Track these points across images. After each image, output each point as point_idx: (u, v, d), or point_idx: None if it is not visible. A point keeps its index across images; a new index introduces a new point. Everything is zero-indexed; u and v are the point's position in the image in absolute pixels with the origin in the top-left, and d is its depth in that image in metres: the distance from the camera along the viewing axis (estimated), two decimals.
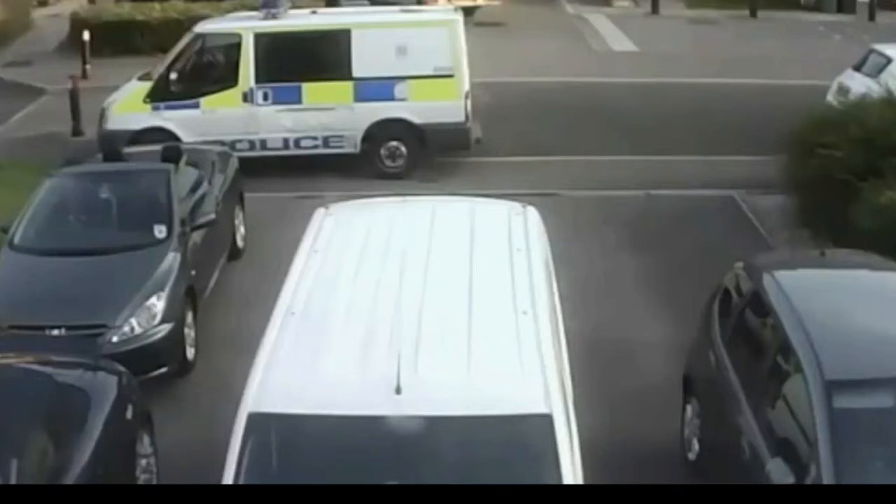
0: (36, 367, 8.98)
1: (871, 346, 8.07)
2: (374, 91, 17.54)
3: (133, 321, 11.09)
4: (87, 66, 24.31)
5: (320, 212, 9.55)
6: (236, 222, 14.67)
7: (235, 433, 6.83)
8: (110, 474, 8.37)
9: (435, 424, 6.73)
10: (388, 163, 17.85)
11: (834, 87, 19.88)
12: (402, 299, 7.76)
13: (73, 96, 20.16)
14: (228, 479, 6.68)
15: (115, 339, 10.94)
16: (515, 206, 9.75)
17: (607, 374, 11.04)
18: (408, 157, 17.84)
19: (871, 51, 20.13)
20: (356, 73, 17.53)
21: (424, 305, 7.68)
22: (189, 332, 11.77)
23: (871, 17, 31.51)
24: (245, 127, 17.55)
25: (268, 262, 12.41)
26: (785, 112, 17.39)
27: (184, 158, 13.61)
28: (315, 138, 17.70)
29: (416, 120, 17.67)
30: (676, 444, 10.01)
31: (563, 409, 6.97)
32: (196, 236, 12.55)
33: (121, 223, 12.53)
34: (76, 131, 20.10)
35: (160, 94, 17.71)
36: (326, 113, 17.57)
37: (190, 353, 11.75)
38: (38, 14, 32.14)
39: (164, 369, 11.16)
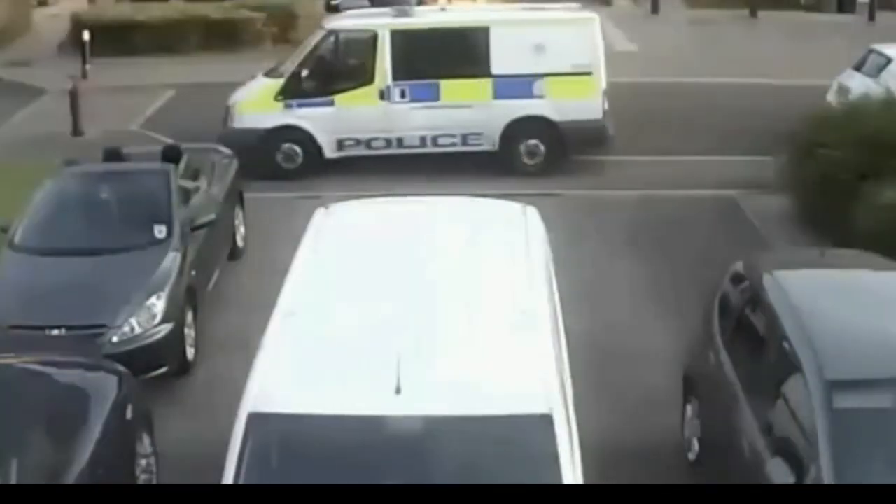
0: (36, 367, 8.97)
1: (871, 346, 8.07)
2: (512, 88, 17.51)
3: (133, 321, 11.08)
4: (87, 66, 24.33)
5: (320, 212, 9.55)
6: (236, 222, 14.67)
7: (235, 433, 6.82)
8: (110, 474, 8.36)
9: (435, 424, 6.73)
10: (527, 160, 17.85)
11: (834, 87, 19.92)
12: (401, 299, 7.76)
13: (73, 96, 20.18)
14: (228, 479, 6.68)
15: (115, 339, 10.92)
16: (515, 206, 9.75)
17: (607, 373, 11.03)
18: (546, 154, 17.82)
19: (871, 51, 20.15)
20: (495, 70, 17.50)
21: (424, 305, 7.68)
22: (189, 332, 11.77)
23: (871, 17, 31.56)
24: (381, 125, 17.55)
25: (268, 262, 12.41)
26: (785, 112, 17.42)
27: (184, 158, 13.61)
28: (453, 136, 17.68)
29: (555, 117, 17.66)
30: (676, 444, 10.02)
31: (563, 409, 6.97)
32: (196, 236, 12.53)
33: (121, 223, 12.50)
34: (76, 131, 20.11)
35: (292, 92, 17.69)
36: (464, 110, 17.51)
37: (190, 353, 11.74)
38: (38, 14, 32.19)
39: (164, 369, 11.15)
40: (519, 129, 17.70)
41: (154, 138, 19.25)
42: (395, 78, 17.51)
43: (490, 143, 17.78)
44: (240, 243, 14.72)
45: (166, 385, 11.12)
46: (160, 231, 12.13)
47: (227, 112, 17.99)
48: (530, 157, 17.85)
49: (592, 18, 17.98)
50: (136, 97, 22.90)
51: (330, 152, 17.81)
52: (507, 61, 17.42)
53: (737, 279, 9.72)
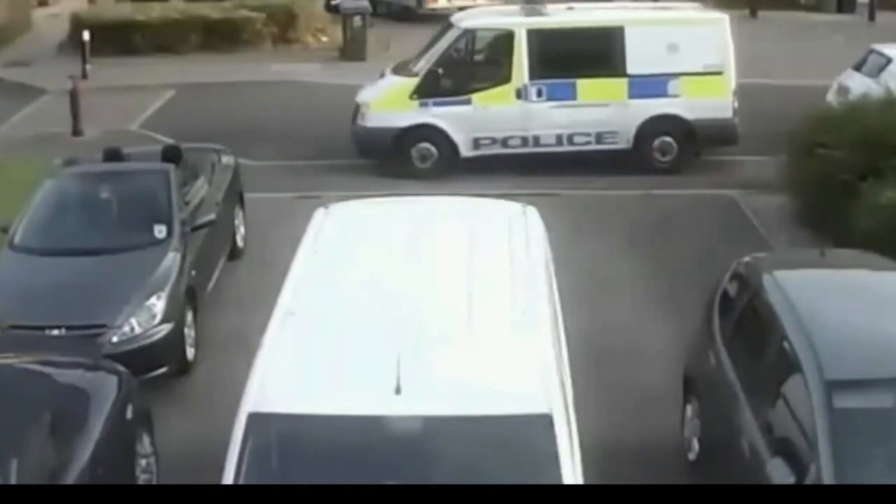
0: (36, 367, 8.98)
1: (871, 346, 8.07)
2: (647, 87, 17.65)
3: (133, 321, 11.08)
4: (87, 66, 24.32)
5: (320, 212, 9.55)
6: (236, 222, 14.67)
7: (235, 433, 6.83)
8: (110, 474, 8.37)
9: (435, 424, 6.73)
10: (660, 158, 17.94)
11: (834, 87, 19.91)
12: (401, 299, 7.76)
13: (73, 96, 20.18)
14: (228, 479, 6.69)
15: (115, 339, 10.92)
16: (515, 206, 9.75)
17: (607, 373, 11.03)
18: (678, 152, 17.91)
19: (871, 51, 20.14)
20: (630, 69, 17.61)
21: (424, 305, 7.68)
22: (189, 332, 11.77)
23: (871, 17, 31.53)
24: (518, 123, 17.63)
25: (268, 262, 12.41)
26: (785, 112, 17.41)
27: (184, 158, 13.61)
28: (588, 134, 17.76)
29: (688, 116, 17.78)
30: (676, 444, 10.01)
31: (563, 409, 6.97)
32: (196, 236, 12.53)
33: (121, 223, 12.51)
34: (76, 131, 20.11)
35: (428, 91, 17.70)
36: (601, 109, 17.62)
37: (190, 353, 11.74)
38: (38, 14, 32.17)
39: (164, 369, 11.15)
40: (653, 127, 17.81)
41: (154, 138, 19.24)
42: (531, 77, 17.59)
43: (625, 141, 17.88)
44: (240, 243, 14.72)
45: (166, 385, 11.11)
46: (160, 231, 12.13)
47: (356, 111, 18.02)
48: (663, 154, 17.94)
49: (723, 18, 18.15)
50: (135, 97, 22.90)
51: (466, 151, 17.81)
52: (642, 61, 17.55)
53: (737, 279, 9.72)
